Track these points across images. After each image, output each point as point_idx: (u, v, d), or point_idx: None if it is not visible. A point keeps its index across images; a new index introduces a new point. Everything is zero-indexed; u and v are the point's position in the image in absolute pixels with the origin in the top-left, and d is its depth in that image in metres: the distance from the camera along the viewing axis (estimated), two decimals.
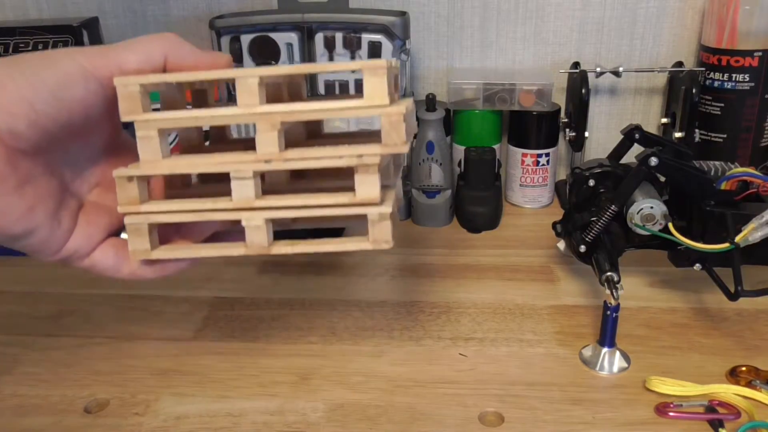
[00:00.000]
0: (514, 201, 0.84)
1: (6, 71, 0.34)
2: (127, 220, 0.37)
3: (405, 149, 0.36)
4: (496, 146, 0.80)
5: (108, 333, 0.58)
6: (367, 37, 0.71)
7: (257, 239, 0.37)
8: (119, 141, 0.42)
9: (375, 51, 0.71)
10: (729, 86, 0.76)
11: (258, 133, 0.35)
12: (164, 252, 0.39)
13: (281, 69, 0.37)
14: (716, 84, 0.76)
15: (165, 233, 0.40)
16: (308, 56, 0.73)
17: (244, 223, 0.37)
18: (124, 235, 0.40)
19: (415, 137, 0.78)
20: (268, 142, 0.35)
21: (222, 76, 0.37)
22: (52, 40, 0.78)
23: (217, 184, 0.41)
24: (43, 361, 0.55)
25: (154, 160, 0.37)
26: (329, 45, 0.72)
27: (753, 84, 0.75)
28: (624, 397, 0.49)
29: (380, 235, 0.37)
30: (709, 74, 0.77)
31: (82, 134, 0.38)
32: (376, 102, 0.35)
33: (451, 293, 0.63)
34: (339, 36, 0.71)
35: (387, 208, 0.36)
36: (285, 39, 0.72)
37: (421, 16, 0.84)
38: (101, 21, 0.82)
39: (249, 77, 0.35)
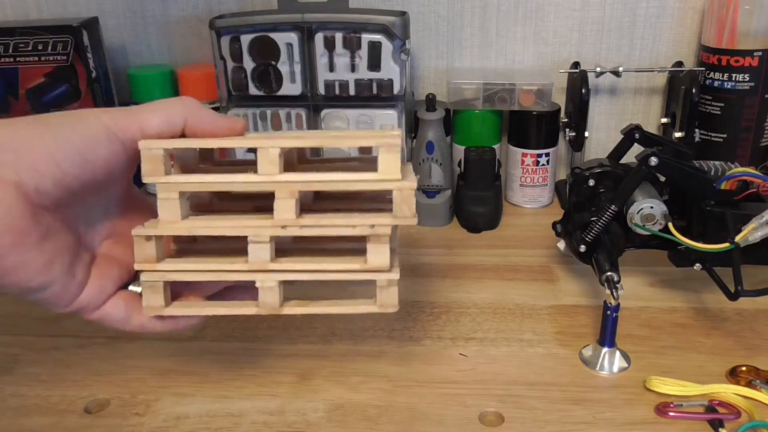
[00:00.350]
0: (514, 201, 0.84)
1: (36, 131, 0.35)
2: (143, 277, 0.39)
3: (414, 221, 0.38)
4: (496, 146, 0.80)
5: (108, 333, 0.58)
6: (367, 37, 0.71)
7: (269, 299, 0.39)
8: (130, 194, 0.43)
9: (375, 51, 0.71)
10: (729, 86, 0.76)
11: (277, 200, 0.37)
12: (177, 309, 0.40)
13: (300, 141, 0.38)
14: (716, 84, 0.76)
15: (176, 286, 0.42)
16: (308, 56, 0.73)
17: (258, 284, 0.39)
18: (132, 288, 0.41)
19: (415, 137, 0.78)
20: (285, 209, 0.37)
21: (244, 144, 0.38)
22: (52, 41, 0.78)
23: (222, 240, 0.42)
24: (44, 362, 0.55)
25: (173, 220, 0.38)
26: (329, 45, 0.72)
27: (753, 84, 0.75)
28: (624, 397, 0.49)
29: (387, 300, 0.40)
30: (709, 74, 0.77)
31: (100, 190, 0.39)
32: (390, 176, 0.37)
33: (451, 293, 0.63)
34: (339, 36, 0.71)
35: (395, 275, 0.39)
36: (285, 39, 0.72)
37: (421, 16, 0.84)
38: (101, 21, 0.82)
39: (270, 148, 0.37)
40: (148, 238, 0.38)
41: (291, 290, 0.41)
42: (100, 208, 0.41)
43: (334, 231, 0.38)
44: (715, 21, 0.75)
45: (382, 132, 0.45)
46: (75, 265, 0.38)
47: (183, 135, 0.39)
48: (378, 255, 0.38)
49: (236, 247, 0.39)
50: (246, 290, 0.42)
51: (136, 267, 0.39)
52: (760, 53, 0.73)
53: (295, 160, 0.47)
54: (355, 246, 0.41)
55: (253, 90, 0.74)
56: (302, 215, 0.38)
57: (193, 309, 0.40)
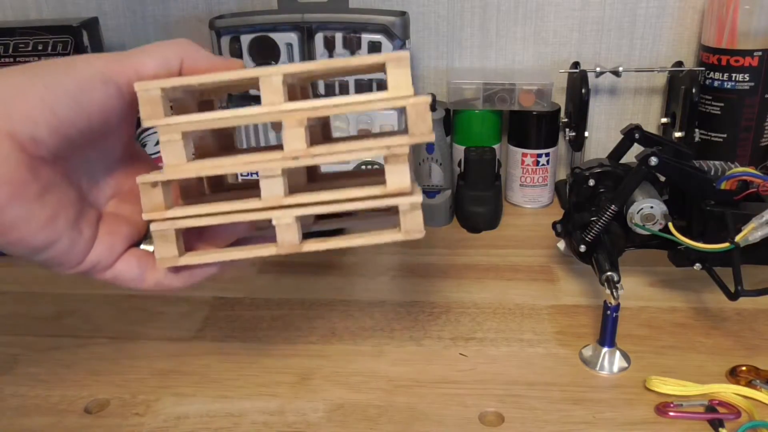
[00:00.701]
0: (514, 201, 0.84)
1: (25, 78, 0.34)
2: (153, 227, 0.37)
3: (431, 138, 0.35)
4: (496, 146, 0.80)
5: (108, 333, 0.58)
6: (366, 37, 0.71)
7: (288, 237, 0.37)
8: (132, 151, 0.42)
9: (375, 51, 0.71)
10: (729, 86, 0.76)
11: (285, 130, 0.35)
12: (193, 258, 0.38)
13: (304, 66, 0.36)
14: (716, 84, 0.76)
15: (188, 240, 0.40)
16: (308, 56, 0.73)
17: (274, 222, 0.36)
18: (143, 246, 0.39)
19: None
20: (295, 138, 0.35)
21: (246, 75, 0.36)
22: (52, 41, 0.78)
23: (229, 192, 0.40)
24: (44, 362, 0.55)
25: (178, 163, 0.36)
26: (329, 45, 0.72)
27: (753, 84, 0.75)
28: (624, 396, 0.49)
29: (412, 225, 0.36)
30: (709, 74, 0.77)
31: (99, 142, 0.38)
32: (402, 93, 0.34)
33: (451, 293, 0.63)
34: (339, 36, 0.71)
35: (418, 198, 0.36)
36: (285, 39, 0.72)
37: (421, 16, 0.84)
38: (101, 21, 0.82)
39: (273, 75, 0.35)
40: (155, 184, 0.36)
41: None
42: (102, 164, 0.39)
43: (349, 156, 0.35)
44: (715, 21, 0.75)
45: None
46: (80, 220, 0.36)
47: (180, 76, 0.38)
48: (398, 176, 0.35)
49: (249, 195, 0.37)
50: (260, 240, 0.40)
51: (145, 217, 0.37)
52: (760, 53, 0.73)
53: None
54: (377, 182, 0.38)
55: (253, 90, 0.74)
56: (313, 146, 0.36)
57: (209, 256, 0.38)
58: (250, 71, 0.36)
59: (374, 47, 0.71)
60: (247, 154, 0.37)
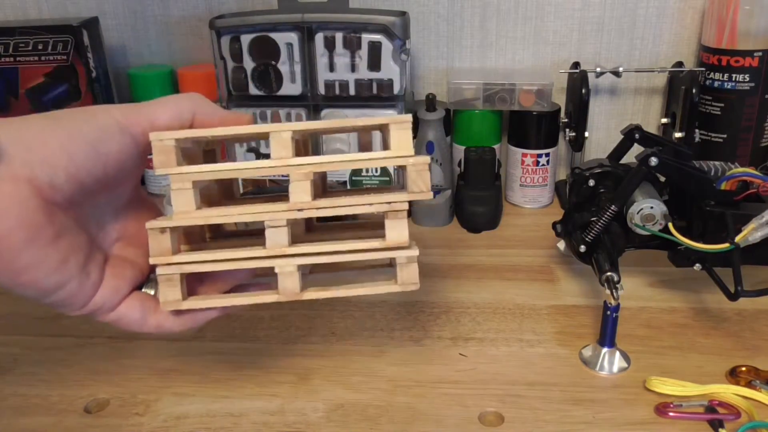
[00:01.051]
0: (514, 201, 0.84)
1: (47, 124, 0.35)
2: (159, 270, 0.38)
3: (429, 196, 0.38)
4: (496, 146, 0.80)
5: (108, 333, 0.58)
6: (367, 37, 0.71)
7: (290, 285, 0.38)
8: (138, 195, 0.43)
9: (375, 51, 0.71)
10: (729, 86, 0.76)
11: (291, 184, 0.37)
12: (196, 302, 0.39)
13: (312, 124, 0.39)
14: (716, 84, 0.76)
15: (191, 285, 0.41)
16: (308, 56, 0.73)
17: (277, 270, 0.38)
18: (145, 289, 0.40)
19: (415, 137, 0.78)
20: (300, 191, 0.37)
21: (258, 130, 0.38)
22: (52, 40, 0.78)
23: (228, 240, 0.41)
24: (44, 361, 0.55)
25: (187, 211, 0.38)
26: (329, 45, 0.72)
27: (753, 84, 0.75)
28: (624, 397, 0.49)
29: (408, 278, 0.39)
30: (709, 74, 0.77)
31: (111, 188, 0.39)
32: (403, 153, 0.37)
33: (451, 293, 0.63)
34: (339, 36, 0.71)
35: (415, 252, 0.39)
36: (285, 39, 0.72)
37: (421, 16, 0.84)
38: (101, 21, 0.82)
39: (283, 132, 0.37)
40: (163, 230, 0.38)
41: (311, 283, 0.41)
42: (111, 209, 0.41)
43: (351, 210, 0.37)
44: (716, 21, 0.75)
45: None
46: (89, 264, 0.37)
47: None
48: (396, 231, 0.38)
49: (250, 243, 0.39)
50: (262, 286, 0.41)
51: (152, 261, 0.38)
52: (760, 53, 0.73)
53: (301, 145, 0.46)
54: (370, 235, 0.40)
55: (253, 90, 0.74)
56: (318, 199, 0.38)
57: (211, 301, 0.39)
58: (262, 127, 0.38)
59: (374, 47, 0.71)
60: (251, 205, 0.39)
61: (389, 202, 0.37)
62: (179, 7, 0.86)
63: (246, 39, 0.72)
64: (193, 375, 0.52)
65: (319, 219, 0.47)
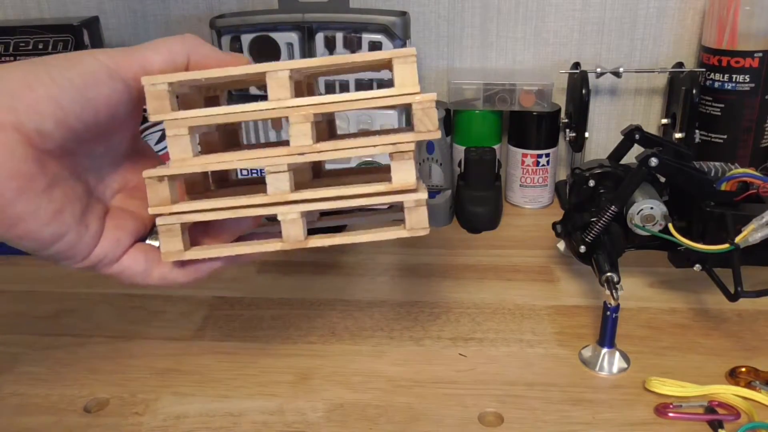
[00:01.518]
0: (514, 201, 0.84)
1: (31, 71, 0.34)
2: (159, 221, 0.37)
3: (437, 135, 0.36)
4: (496, 146, 0.80)
5: (108, 332, 0.58)
6: (367, 37, 0.71)
7: (294, 233, 0.37)
8: (138, 146, 0.42)
9: (375, 51, 0.71)
10: (729, 87, 0.76)
11: (291, 126, 0.35)
12: (198, 252, 0.38)
13: (310, 61, 0.36)
14: (716, 85, 0.76)
15: (194, 235, 0.40)
16: (309, 56, 0.73)
17: (280, 218, 0.36)
18: (149, 241, 0.39)
19: None
20: (301, 134, 0.35)
21: (253, 70, 0.36)
22: (53, 40, 0.78)
23: (234, 188, 0.40)
24: (43, 361, 0.55)
25: (184, 158, 0.36)
26: (329, 45, 0.72)
27: (753, 85, 0.75)
28: (623, 397, 0.49)
29: (417, 222, 0.37)
30: (709, 75, 0.77)
31: (105, 136, 0.38)
32: (407, 90, 0.35)
33: (451, 293, 0.63)
34: (339, 36, 0.71)
35: (423, 194, 0.36)
36: (285, 39, 0.72)
37: (421, 16, 0.84)
38: (101, 20, 0.82)
39: (279, 70, 0.35)
40: (161, 179, 0.36)
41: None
42: (108, 159, 0.39)
43: (355, 153, 0.36)
44: (716, 22, 0.75)
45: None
46: (87, 214, 0.36)
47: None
48: (403, 173, 0.36)
49: (253, 191, 0.37)
50: (264, 236, 0.40)
51: (151, 211, 0.37)
52: (760, 54, 0.73)
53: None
54: (380, 179, 0.38)
55: (253, 89, 0.74)
56: (319, 143, 0.36)
57: (214, 250, 0.38)
58: (258, 66, 0.36)
59: (375, 47, 0.71)
60: (252, 150, 0.37)
61: (394, 143, 0.35)
62: (179, 7, 0.86)
63: (246, 39, 0.72)
64: (193, 375, 0.52)
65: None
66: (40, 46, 0.78)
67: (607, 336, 0.52)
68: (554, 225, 0.62)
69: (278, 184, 0.36)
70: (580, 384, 0.50)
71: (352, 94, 0.36)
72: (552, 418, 0.47)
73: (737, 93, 0.75)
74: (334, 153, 0.36)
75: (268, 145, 0.38)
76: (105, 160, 0.39)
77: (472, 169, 0.77)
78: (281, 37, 0.72)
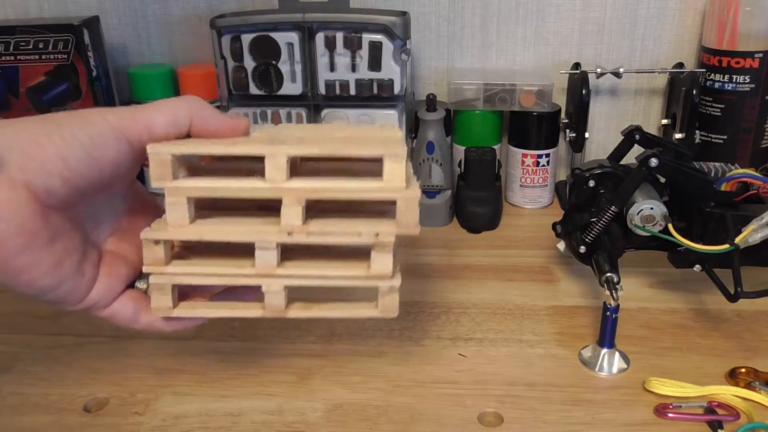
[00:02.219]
0: (514, 201, 0.84)
1: (43, 130, 0.35)
2: (152, 279, 0.39)
3: (417, 231, 0.38)
4: (496, 147, 0.80)
5: (107, 332, 0.58)
6: (367, 37, 0.71)
7: (275, 303, 0.40)
8: (134, 190, 0.44)
9: (375, 51, 0.71)
10: (729, 87, 0.76)
11: (284, 207, 0.38)
12: (185, 311, 0.40)
13: (308, 149, 0.39)
14: (717, 85, 0.76)
15: (183, 286, 0.42)
16: (309, 56, 0.73)
17: (264, 289, 0.39)
18: (138, 285, 0.41)
19: (415, 137, 0.78)
20: (292, 215, 0.38)
21: (252, 152, 0.38)
22: (53, 39, 0.78)
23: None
24: (43, 360, 0.55)
25: (181, 225, 0.38)
26: (330, 45, 0.72)
27: (753, 85, 0.75)
28: (623, 398, 0.49)
29: (388, 305, 0.40)
30: (709, 75, 0.77)
31: (106, 188, 0.39)
32: (395, 185, 0.37)
33: (451, 293, 0.63)
34: (339, 36, 0.71)
35: (397, 282, 0.40)
36: (285, 39, 0.72)
37: (421, 16, 0.84)
38: (102, 20, 0.82)
39: (278, 156, 0.37)
40: (157, 242, 0.38)
41: (295, 291, 0.42)
42: (106, 206, 0.41)
43: (339, 239, 0.38)
44: (716, 22, 0.75)
45: (385, 132, 0.44)
46: (83, 263, 0.38)
47: (188, 134, 0.40)
48: (381, 263, 0.39)
49: (242, 245, 0.39)
50: (251, 290, 0.42)
51: (145, 270, 0.39)
52: (760, 55, 0.73)
53: (298, 160, 0.46)
54: (358, 243, 0.41)
55: (253, 89, 0.74)
56: (308, 221, 0.39)
57: (199, 311, 0.41)
58: (257, 148, 0.38)
59: (375, 47, 0.71)
60: (245, 222, 0.39)
61: (377, 234, 0.38)
62: (180, 7, 0.86)
63: (247, 38, 0.72)
64: (193, 374, 0.52)
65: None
66: (41, 46, 0.78)
67: (606, 336, 0.52)
68: (554, 225, 0.62)
69: (266, 258, 0.38)
70: (580, 384, 0.50)
71: (346, 184, 0.38)
72: (552, 419, 0.47)
73: (737, 93, 0.75)
74: (321, 237, 0.38)
75: (258, 208, 0.40)
76: (103, 207, 0.41)
77: (472, 169, 0.77)
78: (281, 37, 0.72)
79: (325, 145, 0.38)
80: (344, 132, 0.48)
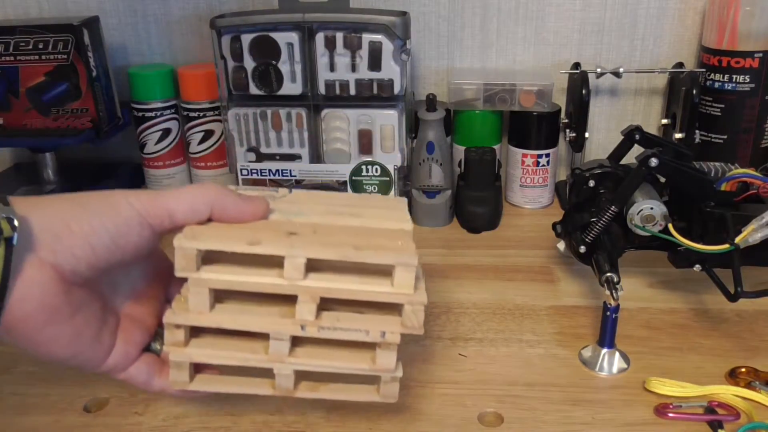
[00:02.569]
0: (514, 201, 0.84)
1: (74, 214, 0.37)
2: (171, 356, 0.42)
3: (421, 332, 0.41)
4: (496, 146, 0.80)
5: None
6: (367, 37, 0.71)
7: (285, 384, 0.42)
8: (151, 257, 0.45)
9: (375, 51, 0.71)
10: (729, 87, 0.76)
11: (299, 303, 0.40)
12: (200, 385, 0.43)
13: (325, 252, 0.41)
14: (716, 85, 0.76)
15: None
16: (309, 56, 0.73)
17: (275, 371, 0.42)
18: (153, 346, 0.44)
19: (415, 137, 0.78)
20: (306, 311, 0.40)
21: (274, 252, 0.40)
22: (53, 39, 0.78)
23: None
24: (43, 360, 0.54)
25: (201, 312, 0.41)
26: (330, 45, 0.72)
27: (753, 85, 0.75)
28: (623, 398, 0.49)
29: (389, 392, 0.43)
30: (709, 75, 0.77)
31: (126, 266, 0.42)
32: (403, 290, 0.40)
33: (451, 293, 0.63)
34: (339, 36, 0.71)
35: (399, 373, 0.42)
36: (285, 39, 0.72)
37: (421, 16, 0.84)
38: (102, 20, 0.82)
39: (297, 257, 0.40)
40: (179, 326, 0.41)
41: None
42: (124, 275, 0.43)
43: (348, 336, 0.41)
44: (716, 22, 0.75)
45: (397, 221, 0.45)
46: (102, 331, 0.40)
47: (209, 218, 0.42)
48: (386, 359, 0.42)
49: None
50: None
51: (165, 349, 0.42)
52: (760, 54, 0.73)
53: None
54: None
55: (253, 89, 0.74)
56: (320, 313, 0.41)
57: (214, 386, 0.43)
58: (279, 250, 0.40)
59: (375, 47, 0.71)
60: (262, 313, 0.42)
61: (384, 333, 0.41)
62: (180, 7, 0.86)
63: (246, 38, 0.72)
64: None
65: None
66: (41, 46, 0.78)
67: (606, 336, 0.52)
68: (554, 225, 0.62)
69: (279, 347, 0.41)
70: (580, 384, 0.50)
71: (358, 285, 0.41)
72: (552, 419, 0.47)
73: (737, 93, 0.75)
74: (332, 332, 0.41)
75: (272, 295, 0.42)
76: (121, 277, 0.43)
77: (472, 169, 0.77)
78: (281, 37, 0.72)
79: (340, 249, 0.40)
80: (356, 218, 0.47)
